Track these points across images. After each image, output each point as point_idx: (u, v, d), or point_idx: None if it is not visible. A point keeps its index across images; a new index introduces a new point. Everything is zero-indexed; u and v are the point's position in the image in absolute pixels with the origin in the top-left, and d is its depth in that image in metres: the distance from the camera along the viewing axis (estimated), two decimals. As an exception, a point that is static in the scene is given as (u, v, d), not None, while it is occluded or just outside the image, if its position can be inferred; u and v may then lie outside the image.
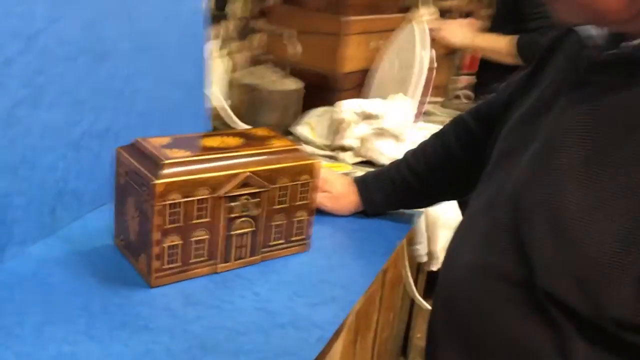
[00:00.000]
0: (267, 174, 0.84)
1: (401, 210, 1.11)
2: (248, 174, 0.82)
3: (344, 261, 0.95)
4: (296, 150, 0.89)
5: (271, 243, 0.90)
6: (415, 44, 1.52)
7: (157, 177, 0.76)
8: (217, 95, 1.47)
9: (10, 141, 0.81)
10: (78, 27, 0.89)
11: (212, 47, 1.61)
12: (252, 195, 0.84)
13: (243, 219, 0.84)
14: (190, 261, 0.82)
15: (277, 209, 0.88)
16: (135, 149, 0.82)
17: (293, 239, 0.92)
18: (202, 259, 0.83)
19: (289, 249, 0.92)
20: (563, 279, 0.57)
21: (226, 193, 0.81)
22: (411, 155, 1.06)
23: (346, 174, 1.22)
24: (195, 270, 0.83)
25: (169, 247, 0.79)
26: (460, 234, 0.75)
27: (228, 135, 0.90)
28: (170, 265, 0.80)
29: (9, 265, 0.81)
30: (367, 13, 1.59)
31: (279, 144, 0.90)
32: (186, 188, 0.77)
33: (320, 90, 1.57)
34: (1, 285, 0.76)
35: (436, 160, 1.02)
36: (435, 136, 1.04)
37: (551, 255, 0.58)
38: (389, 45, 1.60)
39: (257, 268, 0.88)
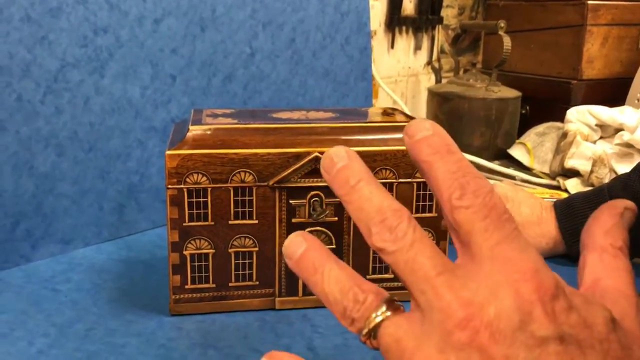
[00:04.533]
0: (353, 158, 0.53)
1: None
2: (316, 154, 0.52)
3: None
4: (417, 129, 0.56)
5: (370, 276, 0.57)
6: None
7: (172, 147, 0.52)
8: (403, 109, 1.18)
9: (55, 111, 0.65)
10: (167, -16, 0.72)
11: (415, 60, 1.34)
12: (328, 191, 0.53)
13: (315, 227, 0.54)
14: (231, 284, 0.54)
15: (377, 220, 0.55)
16: (186, 121, 0.60)
17: (411, 274, 0.57)
18: (249, 283, 0.55)
19: (405, 292, 0.57)
20: None
21: (280, 182, 0.52)
22: None
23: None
24: (239, 301, 0.55)
25: (194, 256, 0.53)
26: None
27: (319, 110, 0.62)
28: (198, 286, 0.54)
29: (34, 265, 0.64)
30: (626, -2, 1.15)
31: (387, 119, 0.57)
32: (215, 167, 0.51)
33: (550, 104, 1.16)
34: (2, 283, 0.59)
35: None
36: None
37: None
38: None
39: (344, 312, 0.55)
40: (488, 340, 0.22)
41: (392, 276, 0.57)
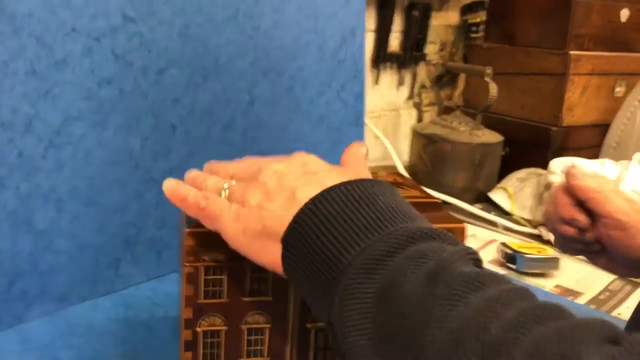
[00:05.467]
0: (370, 238, 0.53)
1: None
2: (335, 234, 0.52)
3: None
4: (431, 205, 0.57)
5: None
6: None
7: (191, 225, 0.51)
8: (389, 148, 1.20)
9: (56, 166, 0.63)
10: (174, 31, 0.71)
11: (398, 95, 1.36)
12: (344, 269, 0.53)
13: (329, 305, 0.54)
14: (242, 360, 0.54)
15: (389, 297, 0.56)
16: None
17: (419, 347, 0.58)
18: (260, 359, 0.54)
19: None
20: None
21: (298, 261, 0.52)
22: None
23: (553, 262, 0.83)
24: (250, 375, 0.54)
25: (207, 333, 0.52)
26: None
27: (332, 177, 0.62)
28: (209, 362, 0.53)
29: (29, 326, 0.62)
30: (605, 49, 1.19)
31: (403, 194, 0.58)
32: (234, 246, 0.51)
33: (529, 148, 1.20)
34: (-2, 353, 0.57)
35: None
36: None
37: None
38: (633, 92, 1.17)
39: (353, 386, 0.56)
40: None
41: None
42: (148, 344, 0.60)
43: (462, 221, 0.56)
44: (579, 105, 1.18)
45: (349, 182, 0.36)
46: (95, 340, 0.60)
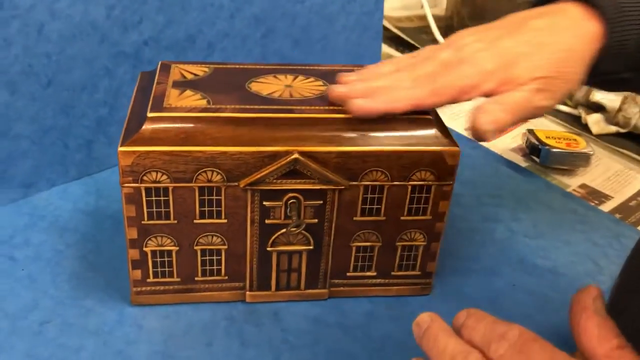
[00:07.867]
0: (338, 160, 0.45)
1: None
2: (296, 156, 0.44)
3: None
4: (418, 121, 0.47)
5: (350, 273, 0.52)
6: None
7: (126, 142, 0.44)
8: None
9: (5, 42, 0.56)
10: None
11: None
12: (307, 193, 0.47)
13: (292, 229, 0.48)
14: (197, 278, 0.50)
15: (362, 222, 0.49)
16: (151, 79, 0.51)
17: (396, 273, 0.53)
18: (217, 277, 0.50)
19: (387, 289, 0.53)
20: None
21: (252, 184, 0.45)
22: None
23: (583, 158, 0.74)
24: (206, 293, 0.51)
25: (155, 252, 0.48)
26: None
27: (309, 75, 0.52)
28: (161, 279, 0.49)
29: (-7, 215, 0.59)
30: None
31: (386, 105, 0.48)
32: (177, 165, 0.44)
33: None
34: (-45, 247, 0.55)
35: None
36: None
37: None
38: None
39: (319, 308, 0.52)
40: None
41: (373, 274, 0.52)
42: (112, 244, 0.56)
43: (455, 144, 0.47)
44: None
45: None
46: (56, 237, 0.57)
